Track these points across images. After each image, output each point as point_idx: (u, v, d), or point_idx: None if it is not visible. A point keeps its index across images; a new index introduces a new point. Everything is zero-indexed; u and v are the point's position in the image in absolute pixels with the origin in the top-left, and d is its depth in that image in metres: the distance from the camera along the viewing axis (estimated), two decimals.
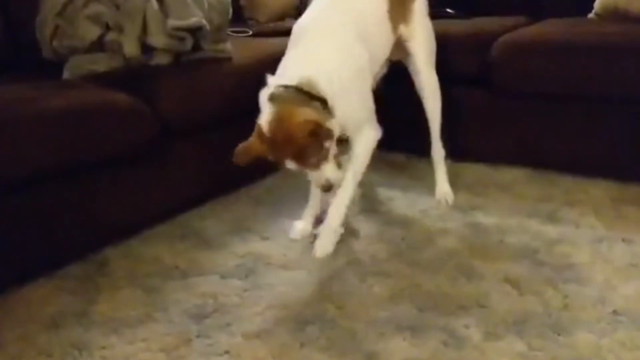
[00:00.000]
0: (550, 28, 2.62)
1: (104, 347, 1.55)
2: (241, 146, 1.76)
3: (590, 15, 2.75)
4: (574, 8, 2.82)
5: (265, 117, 1.72)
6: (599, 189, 2.31)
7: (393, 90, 2.44)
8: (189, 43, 2.30)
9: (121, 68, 2.27)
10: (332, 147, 1.78)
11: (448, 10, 3.13)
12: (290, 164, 1.74)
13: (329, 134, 1.75)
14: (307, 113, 1.71)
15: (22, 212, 1.80)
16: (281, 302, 1.72)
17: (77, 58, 2.28)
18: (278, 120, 1.70)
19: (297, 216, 2.18)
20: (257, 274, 1.87)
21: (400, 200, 2.37)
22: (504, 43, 2.50)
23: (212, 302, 1.73)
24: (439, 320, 1.59)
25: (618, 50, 2.27)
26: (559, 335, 1.49)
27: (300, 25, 1.98)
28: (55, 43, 2.29)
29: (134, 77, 2.21)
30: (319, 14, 1.99)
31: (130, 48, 2.22)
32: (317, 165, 1.77)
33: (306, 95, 1.75)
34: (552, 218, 2.12)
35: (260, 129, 1.72)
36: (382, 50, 2.12)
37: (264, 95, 1.76)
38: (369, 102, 1.99)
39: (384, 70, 2.30)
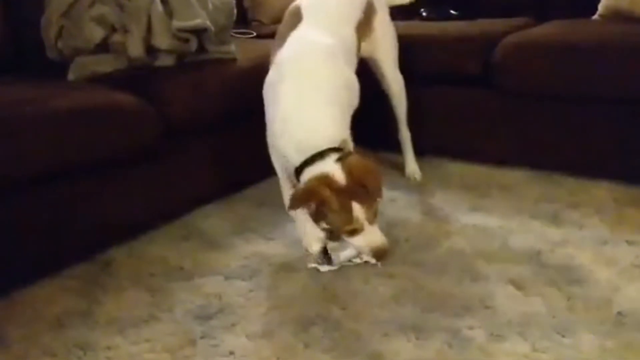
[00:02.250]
0: (554, 29, 2.62)
1: (108, 348, 1.56)
2: (302, 192, 1.70)
3: (595, 17, 2.75)
4: (578, 9, 2.82)
5: (334, 171, 1.68)
6: (603, 191, 2.31)
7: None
8: (193, 44, 2.31)
9: (126, 69, 2.28)
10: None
11: (452, 11, 3.14)
12: (358, 209, 1.68)
13: None
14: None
15: (27, 212, 1.81)
16: (285, 303, 1.72)
17: (82, 59, 2.28)
18: (355, 171, 1.69)
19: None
20: (262, 274, 1.88)
21: (402, 201, 2.37)
22: (508, 44, 2.50)
23: (217, 302, 1.74)
24: (443, 321, 1.59)
25: (622, 51, 2.27)
26: (563, 336, 1.50)
27: (302, 66, 1.88)
28: (60, 44, 2.30)
29: (139, 78, 2.22)
30: (319, 55, 1.92)
31: (135, 49, 2.23)
32: (372, 218, 1.73)
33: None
34: (555, 219, 2.12)
35: (328, 179, 1.67)
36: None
37: (330, 160, 1.71)
38: None
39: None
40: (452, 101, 2.72)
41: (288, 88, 1.83)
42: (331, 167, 1.69)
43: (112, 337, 1.59)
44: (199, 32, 2.31)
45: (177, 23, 2.24)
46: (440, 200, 2.35)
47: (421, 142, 2.63)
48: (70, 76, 2.28)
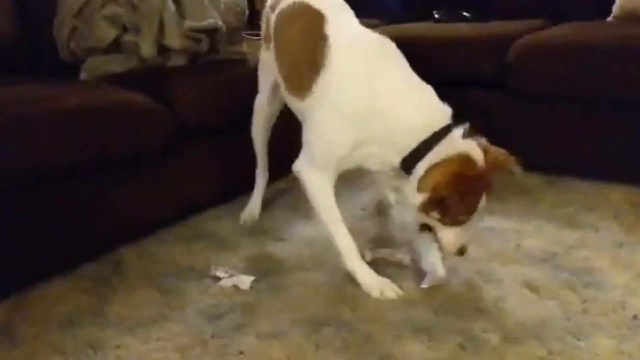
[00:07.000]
0: (568, 31, 2.60)
1: (118, 347, 1.55)
2: (446, 178, 1.40)
3: (609, 19, 2.73)
4: (592, 11, 2.80)
5: (472, 150, 1.50)
6: (618, 194, 2.28)
7: None
8: (205, 44, 2.31)
9: (138, 69, 2.28)
10: None
11: (465, 13, 3.13)
12: (483, 201, 1.48)
13: None
14: None
15: (38, 211, 1.81)
16: (296, 304, 1.71)
17: (94, 59, 2.29)
18: (491, 153, 1.52)
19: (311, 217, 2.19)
20: (272, 275, 1.86)
21: None
22: (521, 45, 2.48)
23: (227, 302, 1.72)
24: (456, 323, 1.57)
25: (636, 52, 2.24)
26: (578, 339, 1.47)
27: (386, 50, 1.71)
28: (72, 44, 2.31)
29: (151, 78, 2.22)
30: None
31: (147, 49, 2.23)
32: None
33: None
34: (571, 222, 2.09)
35: (468, 161, 1.44)
36: None
37: (456, 135, 1.56)
38: None
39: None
40: (466, 103, 2.69)
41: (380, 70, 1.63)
42: (467, 145, 1.45)
43: (122, 336, 1.58)
44: (210, 33, 2.31)
45: (189, 23, 2.24)
46: None
47: None
48: (83, 76, 2.29)
